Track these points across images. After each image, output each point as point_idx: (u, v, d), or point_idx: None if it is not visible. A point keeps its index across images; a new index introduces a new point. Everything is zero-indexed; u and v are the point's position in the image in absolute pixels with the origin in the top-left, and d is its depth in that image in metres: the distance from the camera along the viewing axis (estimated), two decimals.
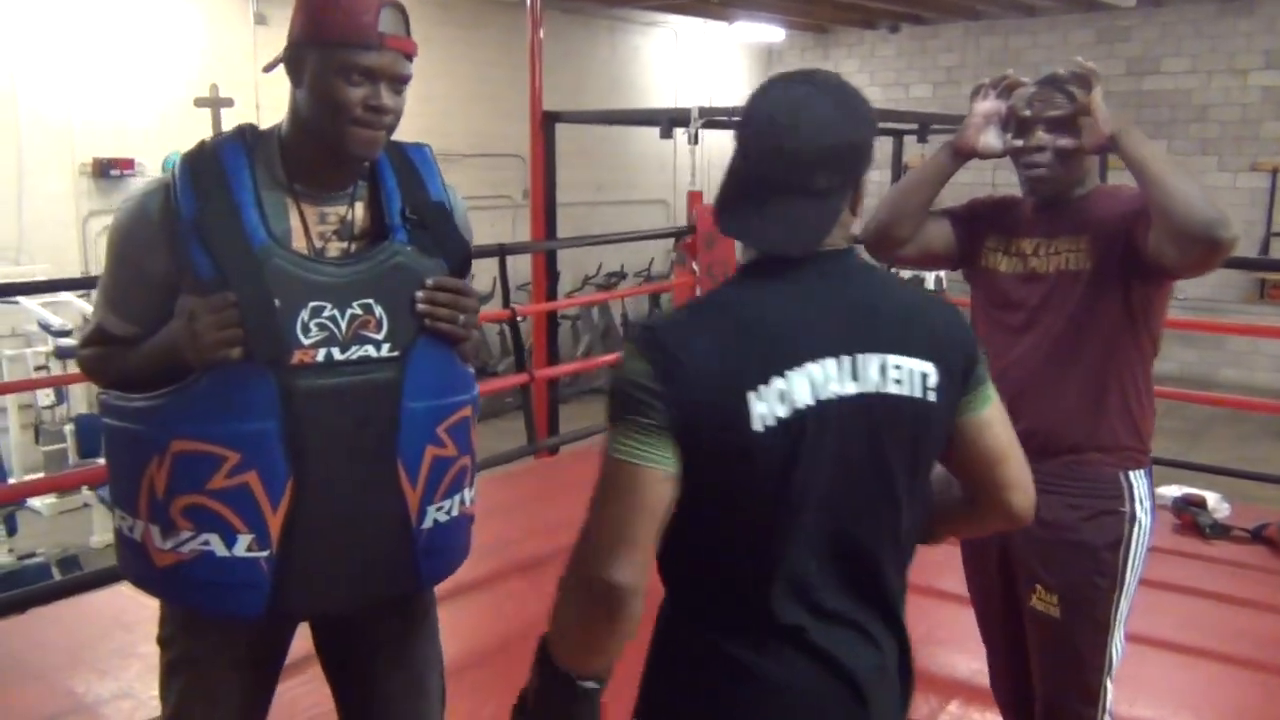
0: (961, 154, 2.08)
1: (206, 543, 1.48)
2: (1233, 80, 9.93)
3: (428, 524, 1.59)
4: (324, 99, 1.49)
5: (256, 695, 1.67)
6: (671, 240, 6.98)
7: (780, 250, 1.23)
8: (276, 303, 1.45)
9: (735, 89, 12.55)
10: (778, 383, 1.17)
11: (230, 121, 7.73)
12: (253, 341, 1.42)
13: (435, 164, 1.69)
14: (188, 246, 1.45)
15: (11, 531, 5.79)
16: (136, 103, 7.44)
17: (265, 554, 1.48)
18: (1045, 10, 10.65)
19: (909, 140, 10.01)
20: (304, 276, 1.48)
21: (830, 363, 1.20)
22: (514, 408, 5.75)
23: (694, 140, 6.16)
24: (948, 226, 2.16)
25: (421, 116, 9.26)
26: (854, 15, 11.22)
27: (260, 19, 7.98)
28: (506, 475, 4.80)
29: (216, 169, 1.50)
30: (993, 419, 1.35)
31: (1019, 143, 2.00)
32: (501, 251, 4.76)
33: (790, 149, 1.20)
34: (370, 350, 1.51)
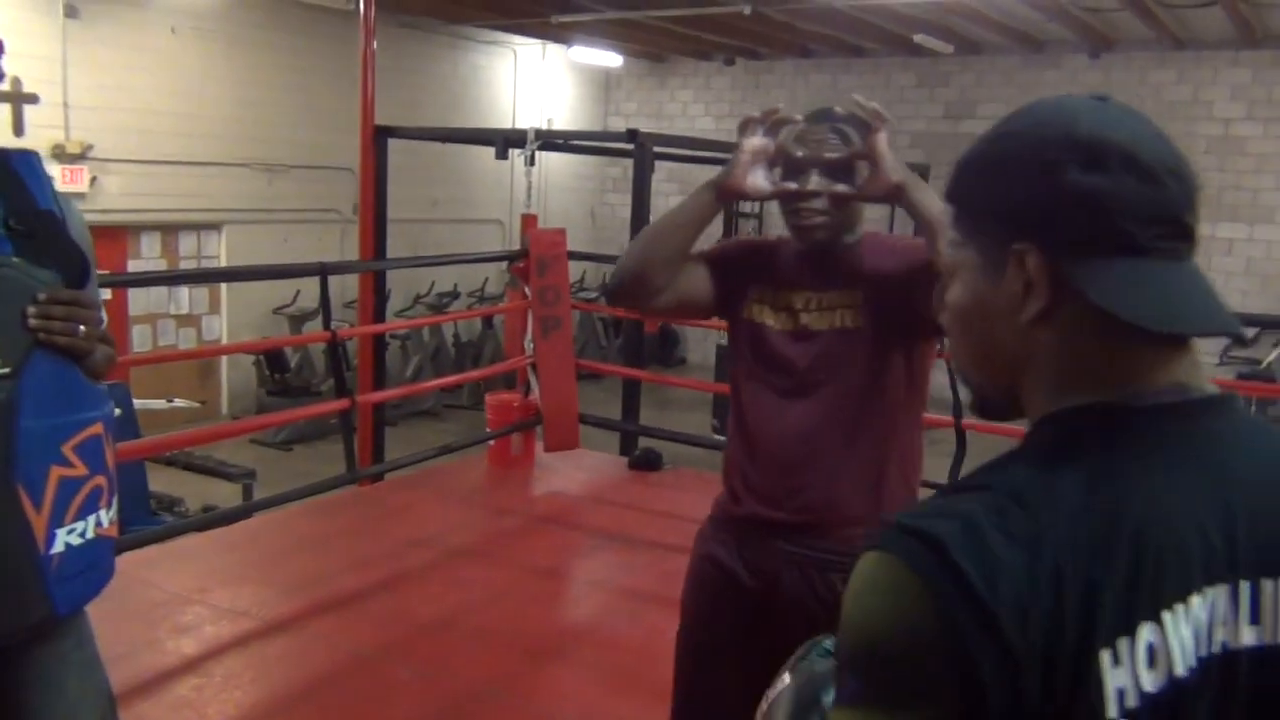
0: (726, 195, 1.86)
1: None
2: None
3: (58, 549, 1.48)
4: None
5: None
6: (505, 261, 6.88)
7: (1215, 331, 0.78)
8: None
9: (574, 112, 12.57)
10: (1147, 632, 0.72)
11: (37, 119, 7.21)
12: None
13: (43, 171, 1.59)
14: None
15: None
16: None
17: None
18: (871, 52, 11.10)
19: None
20: None
21: (1220, 592, 0.75)
22: (338, 430, 5.53)
23: (530, 162, 6.09)
24: (705, 272, 1.95)
25: (245, 124, 8.93)
26: (690, 46, 11.41)
27: (71, 11, 7.46)
28: (323, 505, 4.58)
29: None
30: None
31: (791, 185, 1.81)
32: (323, 270, 4.55)
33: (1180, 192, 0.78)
34: None
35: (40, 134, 7.07)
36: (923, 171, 10.11)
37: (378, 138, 6.49)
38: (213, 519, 4.01)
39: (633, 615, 3.62)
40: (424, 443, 6.39)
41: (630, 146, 6.19)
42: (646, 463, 5.35)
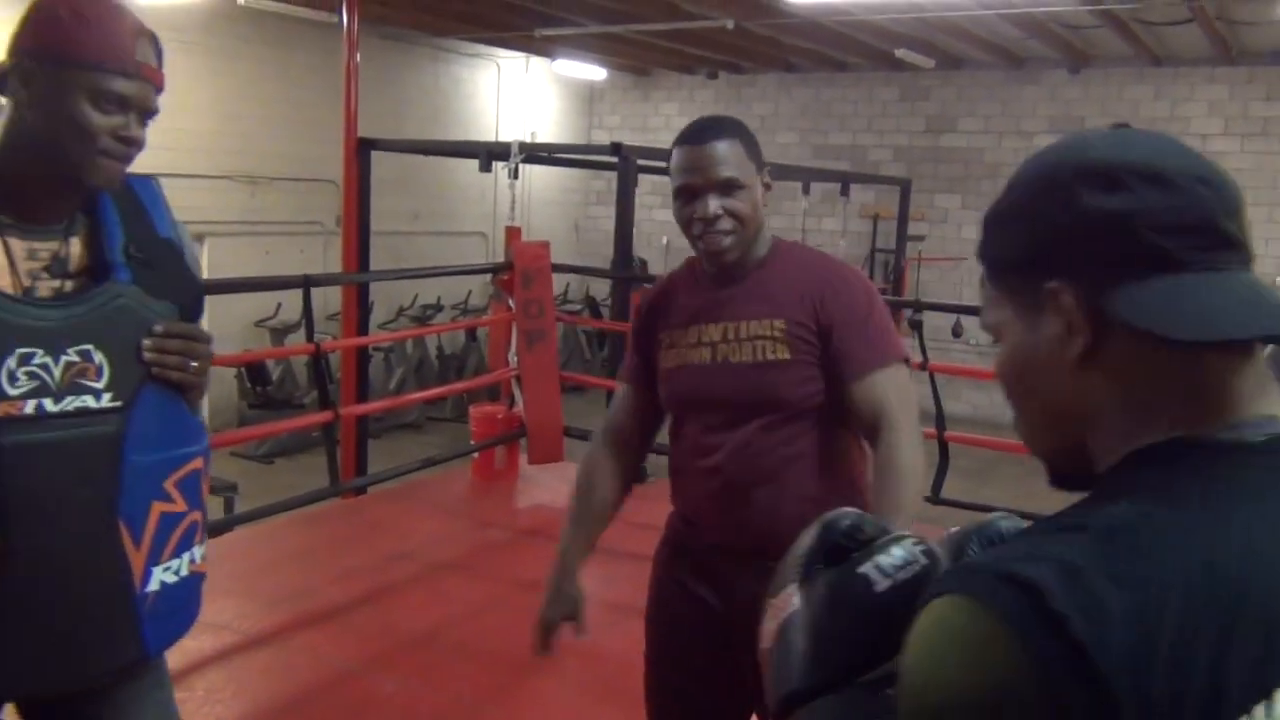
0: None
1: None
2: (1020, 142, 10.65)
3: (153, 586, 1.45)
4: (68, 123, 1.35)
5: None
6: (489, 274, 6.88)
7: (1260, 334, 0.72)
8: None
9: (558, 125, 12.59)
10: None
11: None
12: None
13: (163, 198, 1.56)
14: None
15: None
16: None
17: None
18: (854, 66, 11.17)
19: None
20: (9, 320, 1.32)
21: None
22: (321, 443, 5.52)
23: (514, 175, 6.10)
24: (634, 388, 2.00)
25: (227, 136, 8.90)
26: (674, 60, 11.46)
27: None
28: (306, 517, 4.56)
29: None
30: None
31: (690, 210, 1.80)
32: (306, 283, 4.55)
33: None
34: (89, 400, 1.36)
35: None
36: (904, 185, 10.22)
37: (361, 150, 6.49)
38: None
39: (616, 627, 3.61)
40: (408, 455, 6.37)
41: (614, 160, 6.21)
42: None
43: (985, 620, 0.64)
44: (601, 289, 11.36)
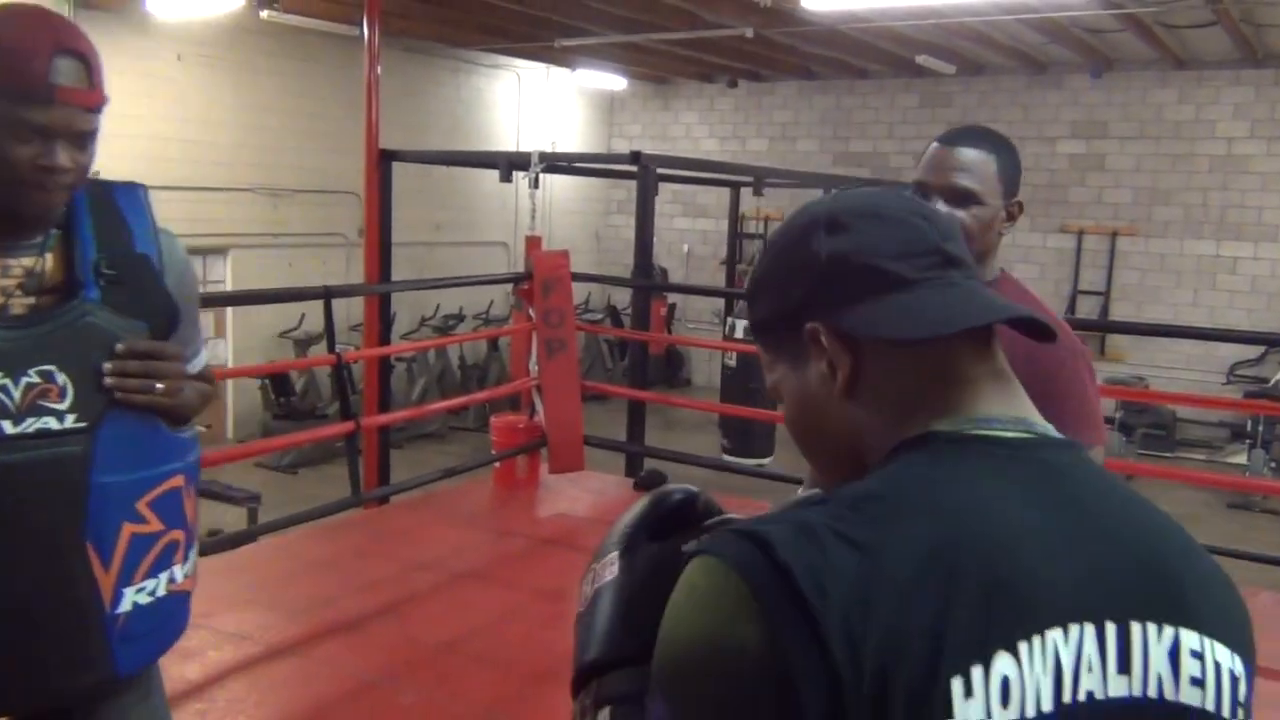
0: None
1: None
2: (1043, 147, 10.59)
3: (124, 608, 1.42)
4: None
5: None
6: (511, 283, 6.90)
7: (966, 324, 0.77)
8: None
9: (578, 134, 12.62)
10: (1002, 664, 0.65)
11: None
12: None
13: (147, 208, 1.51)
14: None
15: None
16: None
17: None
18: (874, 73, 11.15)
19: (745, 192, 10.27)
20: None
21: (1086, 633, 0.69)
22: (343, 453, 5.54)
23: (534, 184, 6.11)
24: None
25: (251, 149, 8.97)
26: (693, 69, 11.48)
27: None
28: (328, 528, 4.57)
29: None
30: None
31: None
32: (327, 294, 4.56)
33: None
34: (51, 422, 1.33)
35: None
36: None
37: (382, 162, 6.51)
38: (218, 543, 4.00)
39: None
40: (429, 465, 6.38)
41: (634, 168, 6.21)
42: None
43: (719, 573, 0.67)
44: (622, 298, 11.37)
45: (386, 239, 6.61)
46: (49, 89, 1.29)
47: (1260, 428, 9.15)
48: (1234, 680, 0.74)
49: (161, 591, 1.47)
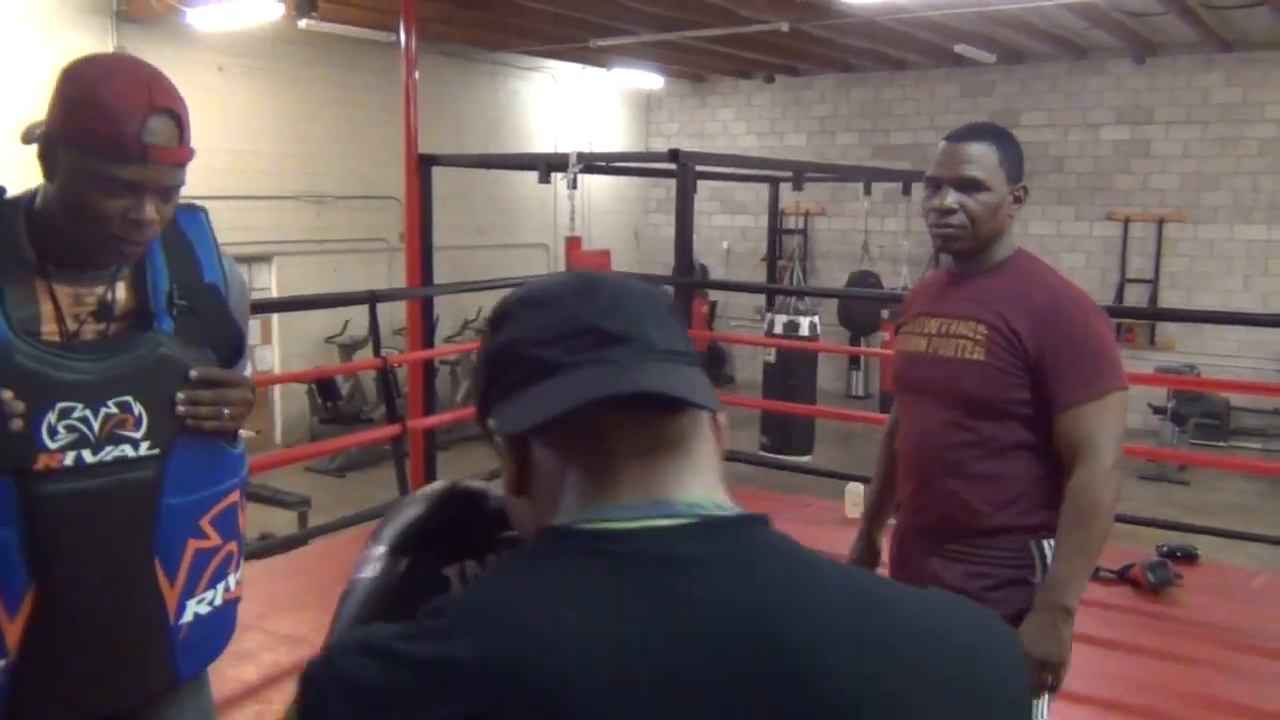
0: None
1: None
2: (1087, 134, 10.44)
3: (187, 618, 1.49)
4: (77, 205, 1.35)
5: None
6: None
7: (589, 397, 0.73)
8: (21, 407, 1.30)
9: (615, 134, 12.64)
10: None
11: None
12: None
13: (210, 234, 1.55)
14: None
15: None
16: None
17: (2, 663, 1.36)
18: (914, 64, 11.05)
19: (784, 188, 10.22)
20: (51, 375, 1.35)
21: None
22: (390, 456, 5.62)
23: (572, 185, 6.13)
24: None
25: (293, 158, 9.08)
26: (730, 65, 11.44)
27: (121, 51, 7.66)
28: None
29: None
30: None
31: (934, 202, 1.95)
32: (372, 299, 4.61)
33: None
34: (127, 450, 1.39)
35: None
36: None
37: (422, 166, 6.57)
38: (270, 546, 4.06)
39: None
40: (475, 467, 6.42)
41: (673, 166, 6.21)
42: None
43: (297, 690, 0.70)
44: None
45: (428, 243, 6.66)
46: (142, 148, 1.32)
47: None
48: None
49: (219, 601, 1.53)
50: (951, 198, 1.89)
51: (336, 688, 0.67)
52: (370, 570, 0.88)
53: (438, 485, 0.93)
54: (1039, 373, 1.85)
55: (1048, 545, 1.90)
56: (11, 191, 1.45)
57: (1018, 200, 1.94)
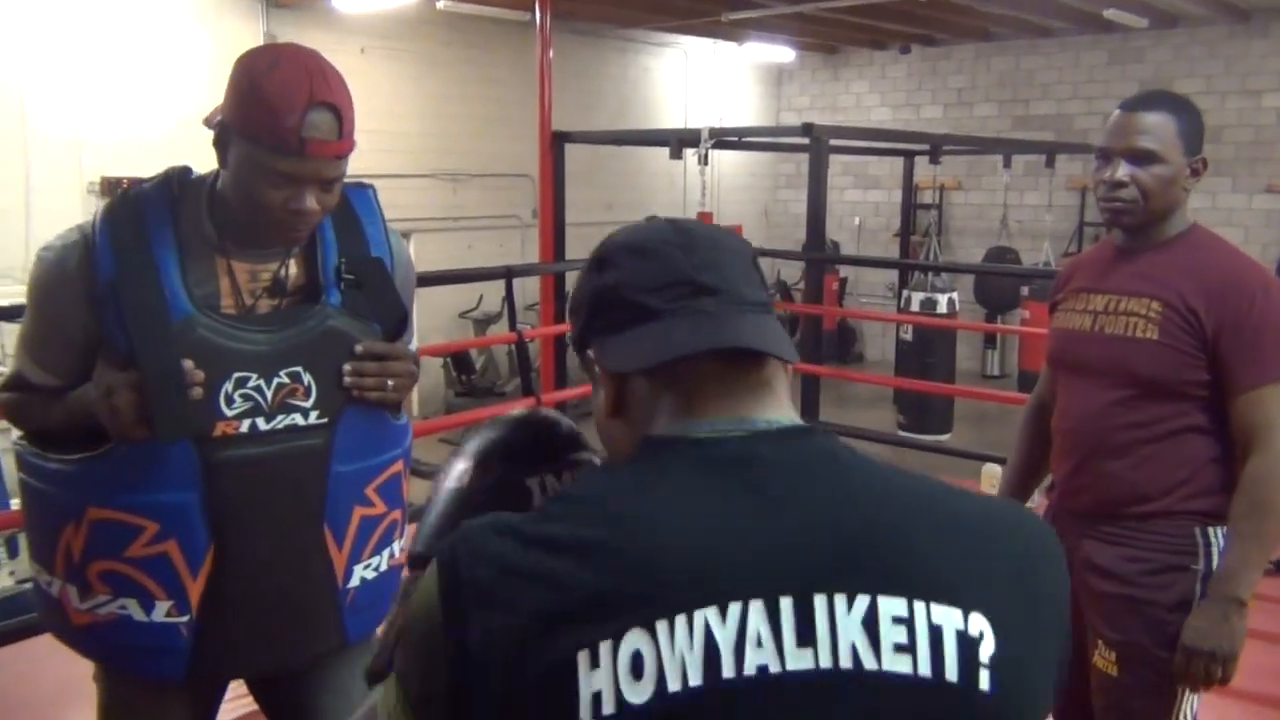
0: None
1: (124, 607, 1.44)
2: (1246, 101, 9.85)
3: (354, 583, 1.56)
4: (244, 192, 1.42)
5: None
6: None
7: (681, 353, 0.84)
8: (201, 376, 1.38)
9: (746, 109, 12.54)
10: (634, 639, 0.70)
11: None
12: (158, 424, 1.35)
13: (378, 209, 1.61)
14: (105, 313, 1.40)
15: (13, 554, 5.73)
16: (144, 120, 7.44)
17: (185, 619, 1.45)
18: (1058, 31, 10.60)
19: (920, 160, 9.98)
20: (228, 346, 1.42)
21: (752, 609, 0.71)
22: None
23: (704, 161, 6.12)
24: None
25: (431, 137, 9.32)
26: (864, 36, 11.20)
27: (270, 39, 7.99)
28: None
29: (137, 225, 1.44)
30: None
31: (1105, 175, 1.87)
32: (508, 274, 4.71)
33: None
34: (297, 418, 1.47)
35: None
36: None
37: (555, 144, 6.65)
38: (413, 515, 4.21)
39: None
40: None
41: (805, 141, 6.13)
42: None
43: (434, 564, 0.78)
44: (792, 273, 11.25)
45: (560, 219, 6.75)
46: (301, 143, 1.38)
47: None
48: (966, 641, 0.73)
49: (384, 567, 1.61)
50: (1123, 170, 1.81)
51: (473, 557, 0.75)
52: (456, 480, 0.96)
53: (516, 411, 1.03)
54: (1215, 353, 1.77)
55: (1214, 532, 1.81)
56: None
57: (1195, 173, 1.85)
